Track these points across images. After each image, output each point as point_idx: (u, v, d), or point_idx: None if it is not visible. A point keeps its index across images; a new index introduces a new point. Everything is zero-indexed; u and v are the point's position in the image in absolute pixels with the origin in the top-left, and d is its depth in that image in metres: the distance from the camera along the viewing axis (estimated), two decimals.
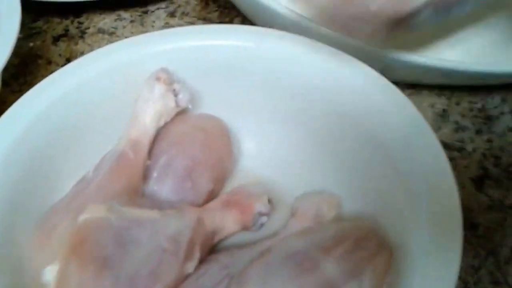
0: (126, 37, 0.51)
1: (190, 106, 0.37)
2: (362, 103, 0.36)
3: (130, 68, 0.38)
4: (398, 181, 0.32)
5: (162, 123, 0.36)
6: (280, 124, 0.41)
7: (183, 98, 0.37)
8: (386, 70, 0.39)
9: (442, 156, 0.32)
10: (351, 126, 0.37)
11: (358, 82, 0.36)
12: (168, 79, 0.35)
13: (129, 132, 0.35)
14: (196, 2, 0.59)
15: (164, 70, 0.36)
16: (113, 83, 0.38)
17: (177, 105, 0.36)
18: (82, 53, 0.52)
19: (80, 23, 0.56)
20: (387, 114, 0.34)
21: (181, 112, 0.38)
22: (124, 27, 0.56)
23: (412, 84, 0.47)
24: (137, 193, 0.33)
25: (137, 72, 0.38)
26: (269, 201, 0.36)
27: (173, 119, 0.37)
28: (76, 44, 0.53)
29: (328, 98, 0.37)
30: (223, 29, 0.39)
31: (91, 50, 0.52)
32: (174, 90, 0.36)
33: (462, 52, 0.46)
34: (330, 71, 0.37)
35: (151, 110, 0.35)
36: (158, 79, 0.35)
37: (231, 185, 0.40)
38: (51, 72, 0.38)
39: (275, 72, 0.39)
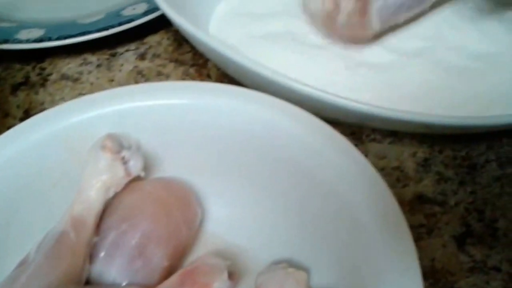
0: (91, 84, 0.49)
1: (142, 174, 0.34)
2: (323, 165, 0.34)
3: (77, 133, 0.35)
4: (360, 246, 0.31)
5: (111, 194, 0.34)
6: (246, 186, 0.38)
7: (134, 165, 0.34)
8: (364, 122, 0.38)
9: (401, 220, 0.30)
10: (317, 188, 0.34)
11: (319, 144, 0.34)
12: (115, 147, 0.33)
13: (72, 208, 0.32)
14: (168, 42, 0.56)
15: (110, 137, 0.33)
16: (59, 149, 0.35)
17: (127, 174, 0.33)
18: (42, 104, 0.49)
19: (42, 69, 0.53)
20: (346, 174, 0.33)
21: (135, 179, 0.35)
22: (89, 72, 0.53)
23: (393, 131, 0.44)
24: (79, 278, 0.31)
25: (85, 136, 0.35)
26: (232, 274, 0.33)
27: (125, 188, 0.34)
28: (37, 93, 0.51)
29: (289, 159, 0.35)
30: (178, 86, 0.36)
31: (52, 100, 0.49)
32: (123, 158, 0.33)
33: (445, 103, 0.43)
34: (291, 131, 0.35)
35: (97, 183, 0.33)
36: (103, 147, 0.32)
37: (194, 253, 0.38)
38: (7, 127, 0.36)
39: (235, 131, 0.37)
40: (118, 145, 0.34)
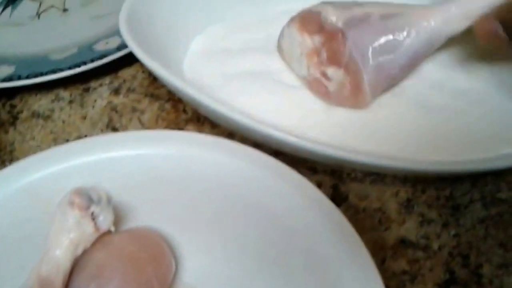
0: (63, 121, 0.48)
1: (113, 229, 0.33)
2: (296, 216, 0.34)
3: (47, 186, 0.35)
4: None
5: (79, 252, 0.33)
6: (221, 235, 0.38)
7: (103, 221, 0.33)
8: (344, 165, 0.38)
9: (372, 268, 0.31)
10: (291, 239, 0.35)
11: (287, 191, 0.35)
12: (83, 203, 0.32)
13: (39, 267, 0.31)
14: (143, 76, 0.56)
15: (78, 192, 0.32)
16: (29, 203, 0.35)
17: (96, 229, 0.32)
18: (12, 144, 0.48)
19: (12, 106, 0.52)
20: (315, 223, 0.33)
21: (106, 233, 0.34)
22: (61, 109, 0.52)
23: None
24: None
25: (55, 189, 0.35)
26: None
27: (95, 243, 0.33)
28: (6, 132, 0.49)
29: (260, 207, 0.36)
30: (148, 136, 0.36)
31: (23, 139, 0.48)
32: (92, 213, 0.32)
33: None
34: (259, 178, 0.35)
35: (65, 241, 0.32)
36: (71, 204, 0.31)
37: None
38: None
39: (208, 180, 0.37)
40: (87, 200, 0.33)
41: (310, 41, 0.43)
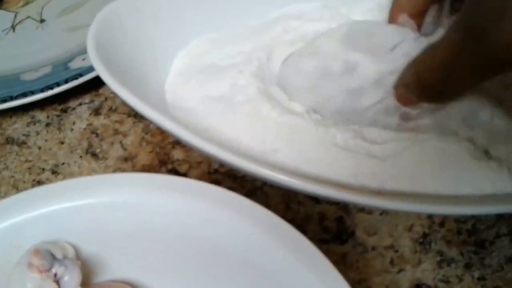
0: (38, 148, 0.46)
1: None
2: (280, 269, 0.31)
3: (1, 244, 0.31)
4: None
5: None
6: (201, 284, 0.35)
7: (69, 281, 0.30)
8: None
9: None
10: None
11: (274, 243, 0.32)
12: (44, 265, 0.29)
13: None
14: None
15: (37, 252, 0.29)
16: None
17: None
18: None
19: None
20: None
21: None
22: (37, 133, 0.49)
23: None
24: None
25: (10, 247, 0.32)
26: None
27: None
28: None
29: (239, 256, 0.33)
30: (111, 180, 0.34)
31: None
32: (55, 274, 0.29)
33: None
34: (238, 228, 0.33)
35: None
36: (29, 266, 0.28)
37: None
38: None
39: (182, 227, 0.34)
40: (48, 259, 0.30)
41: None
